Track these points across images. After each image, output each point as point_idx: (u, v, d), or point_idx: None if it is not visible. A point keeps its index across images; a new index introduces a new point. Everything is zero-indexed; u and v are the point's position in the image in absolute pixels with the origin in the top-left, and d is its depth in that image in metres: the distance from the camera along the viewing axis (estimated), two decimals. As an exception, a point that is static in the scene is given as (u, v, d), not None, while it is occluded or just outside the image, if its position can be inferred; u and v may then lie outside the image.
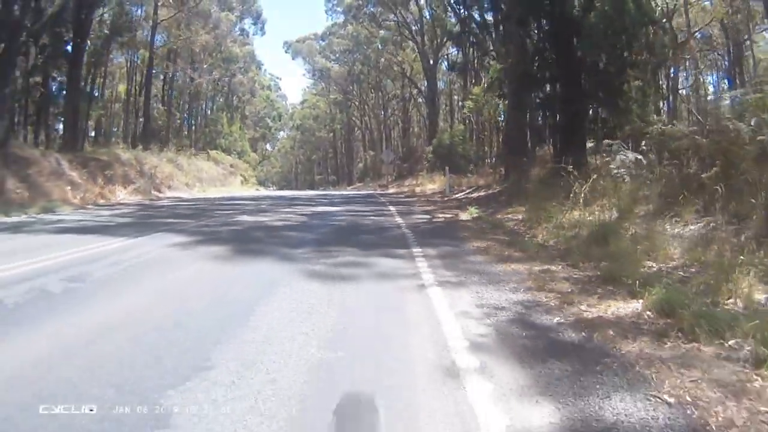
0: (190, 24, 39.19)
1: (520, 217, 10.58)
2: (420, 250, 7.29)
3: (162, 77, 41.07)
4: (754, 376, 2.84)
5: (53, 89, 27.35)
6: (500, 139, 29.16)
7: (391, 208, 16.22)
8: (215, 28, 44.14)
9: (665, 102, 27.68)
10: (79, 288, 4.92)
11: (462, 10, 21.04)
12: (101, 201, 19.29)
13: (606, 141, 12.83)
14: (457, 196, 19.15)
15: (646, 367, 3.01)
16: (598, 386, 2.78)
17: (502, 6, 19.18)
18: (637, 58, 18.83)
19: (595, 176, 9.53)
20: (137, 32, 32.45)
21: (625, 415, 2.47)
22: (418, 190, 26.92)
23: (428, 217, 13.18)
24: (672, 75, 33.02)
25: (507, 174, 19.89)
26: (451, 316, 3.99)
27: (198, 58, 45.10)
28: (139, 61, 37.10)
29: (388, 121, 64.02)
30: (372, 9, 48.38)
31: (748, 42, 29.54)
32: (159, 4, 34.05)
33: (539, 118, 20.80)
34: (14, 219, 12.25)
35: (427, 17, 44.23)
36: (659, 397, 2.64)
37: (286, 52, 65.90)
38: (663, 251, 6.24)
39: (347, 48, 58.12)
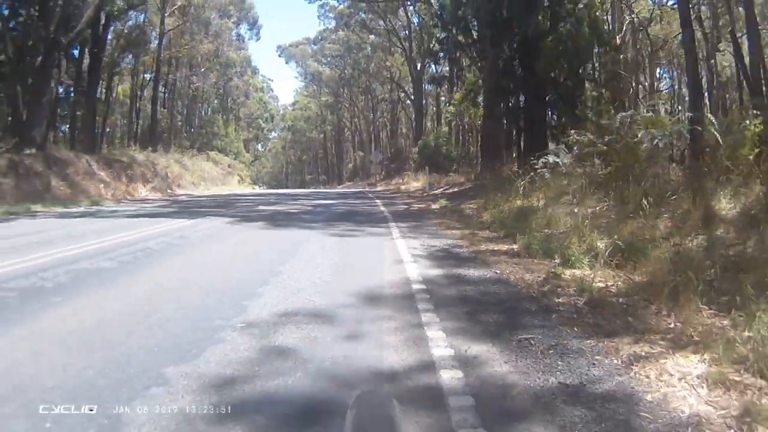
0: (192, 33, 42.43)
1: (476, 206, 13.99)
2: (395, 224, 10.80)
3: (163, 81, 44.15)
4: (552, 269, 6.22)
5: (60, 93, 30.31)
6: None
7: (378, 201, 19.77)
8: (217, 36, 47.30)
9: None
10: (187, 242, 8.34)
11: (441, 33, 24.38)
12: (128, 197, 22.57)
13: (551, 146, 16.33)
14: (435, 192, 22.60)
15: (494, 264, 6.46)
16: (465, 266, 6.25)
17: (477, 28, 22.49)
18: (591, 73, 22.46)
19: (532, 174, 12.97)
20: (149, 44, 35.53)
21: (473, 274, 5.91)
22: (403, 187, 30.36)
23: (406, 206, 16.81)
24: (658, 76, 36.43)
25: (482, 173, 23.15)
26: (405, 249, 7.46)
27: (196, 62, 48.20)
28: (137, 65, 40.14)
29: (377, 123, 67.24)
30: (363, 15, 51.27)
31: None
32: (165, 15, 37.18)
33: (508, 125, 24.23)
34: (77, 209, 15.55)
35: (416, 24, 47.26)
36: (492, 270, 6.08)
37: (279, 56, 69.25)
38: (557, 223, 9.61)
39: (338, 53, 61.24)
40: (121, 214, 13.66)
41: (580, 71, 21.17)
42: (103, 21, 28.16)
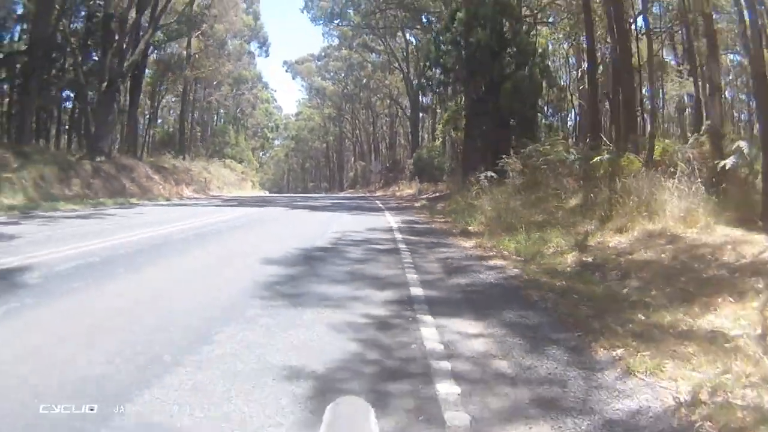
0: (215, 56, 49.44)
1: (444, 204, 21.03)
2: (387, 212, 18.12)
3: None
4: (455, 224, 13.24)
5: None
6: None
7: (377, 201, 27.09)
8: (237, 60, 54.40)
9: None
10: (271, 217, 15.50)
11: (428, 71, 31.49)
12: (178, 197, 29.48)
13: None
14: (423, 196, 29.64)
15: (432, 223, 13.59)
16: (418, 224, 13.41)
17: (455, 68, 29.52)
18: (542, 107, 29.56)
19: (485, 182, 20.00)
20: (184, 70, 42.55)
21: (421, 226, 13.00)
22: (398, 193, 37.51)
23: (397, 205, 24.17)
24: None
25: (464, 182, 29.98)
26: (391, 219, 14.71)
27: (215, 79, 55.12)
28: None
29: (377, 135, 74.27)
30: (365, 36, 57.29)
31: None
32: (191, 39, 44.14)
33: (483, 144, 31.15)
34: (165, 203, 22.57)
35: (413, 45, 53.89)
36: (430, 225, 13.14)
37: (286, 71, 75.99)
38: (489, 212, 16.57)
39: (341, 69, 68.24)
40: (202, 205, 20.74)
41: (535, 105, 28.23)
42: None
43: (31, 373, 3.08)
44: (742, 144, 10.38)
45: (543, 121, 28.39)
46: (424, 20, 45.55)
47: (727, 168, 10.00)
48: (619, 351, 3.79)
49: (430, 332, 4.15)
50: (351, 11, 51.19)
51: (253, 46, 63.66)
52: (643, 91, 46.81)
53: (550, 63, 28.84)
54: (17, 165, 20.29)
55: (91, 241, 8.56)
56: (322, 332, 4.08)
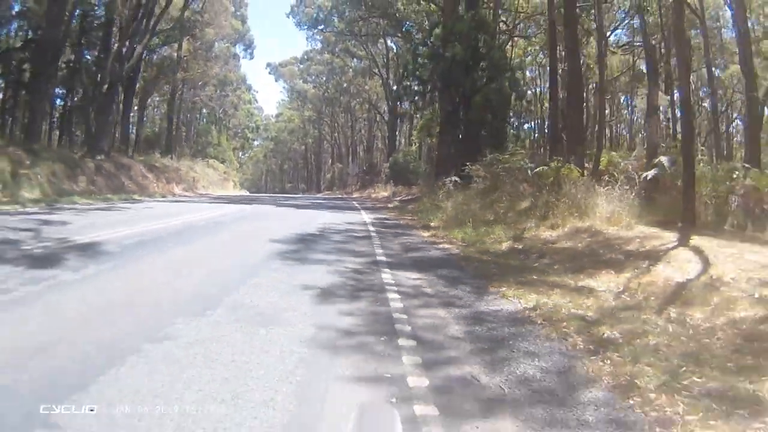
0: (198, 58, 51.75)
1: (414, 205, 23.77)
2: (363, 210, 20.99)
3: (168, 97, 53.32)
4: (419, 221, 16.01)
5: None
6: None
7: (354, 202, 29.90)
8: (224, 62, 56.74)
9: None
10: (263, 213, 18.19)
11: (405, 81, 34.30)
12: (170, 195, 31.86)
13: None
14: (396, 198, 32.40)
15: (401, 220, 16.38)
16: (388, 220, 16.36)
17: (432, 79, 32.28)
18: (511, 117, 32.44)
19: (450, 186, 22.78)
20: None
21: (390, 221, 15.82)
22: (374, 195, 40.25)
23: (372, 205, 27.06)
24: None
25: (434, 186, 32.80)
26: (366, 216, 17.57)
27: (200, 80, 57.39)
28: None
29: (355, 138, 77.04)
30: (347, 42, 59.66)
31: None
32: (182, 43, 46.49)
33: (455, 151, 33.99)
34: (163, 199, 25.06)
35: (394, 51, 56.57)
36: (398, 221, 15.93)
37: (269, 73, 78.89)
38: (449, 211, 19.32)
39: (323, 72, 70.82)
40: (196, 202, 23.33)
41: (504, 116, 31.11)
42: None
43: (151, 293, 5.79)
44: (663, 159, 13.26)
45: (511, 130, 31.27)
46: (406, 28, 48.02)
47: (648, 178, 12.88)
48: (504, 289, 6.54)
49: (387, 276, 6.98)
50: (335, 18, 53.31)
51: (239, 49, 66.02)
52: (622, 100, 50.62)
53: (528, 72, 31.69)
54: (29, 162, 22.59)
55: (129, 227, 11.12)
56: (321, 274, 6.86)
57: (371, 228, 13.78)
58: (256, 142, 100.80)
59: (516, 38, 38.34)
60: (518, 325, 5.00)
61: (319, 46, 66.66)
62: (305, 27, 58.35)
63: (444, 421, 2.88)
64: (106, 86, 32.03)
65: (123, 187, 28.13)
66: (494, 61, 29.05)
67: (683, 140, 12.70)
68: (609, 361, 3.93)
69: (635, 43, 36.33)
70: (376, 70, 60.26)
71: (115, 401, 2.87)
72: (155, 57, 41.79)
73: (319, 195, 57.53)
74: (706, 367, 3.75)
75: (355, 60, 65.20)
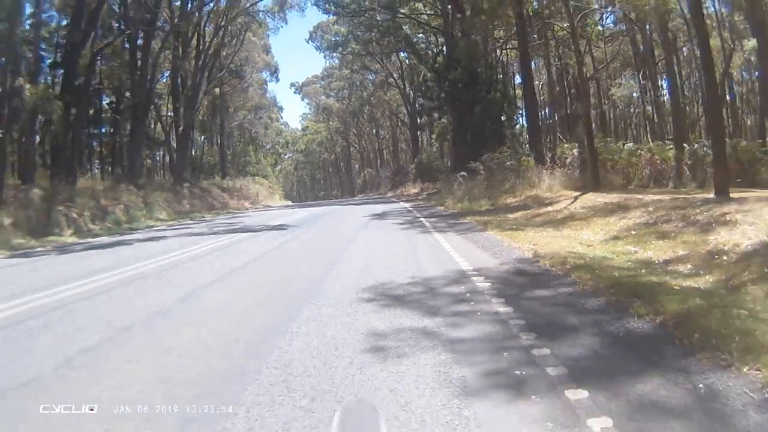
0: (237, 90, 61.94)
1: (437, 196, 33.37)
2: (402, 201, 30.90)
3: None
4: (441, 205, 25.70)
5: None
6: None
7: (393, 199, 39.86)
8: (259, 90, 66.77)
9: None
10: (338, 211, 28.02)
11: (420, 100, 44.05)
12: (246, 209, 41.57)
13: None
14: (424, 192, 41.99)
15: (432, 206, 26.04)
16: (422, 204, 26.04)
17: (440, 97, 41.85)
18: (504, 121, 41.91)
19: (460, 179, 32.45)
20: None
21: (424, 206, 25.61)
22: (405, 193, 50.01)
23: (406, 199, 36.84)
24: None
25: (450, 180, 42.52)
26: (406, 205, 27.37)
27: (240, 108, 67.57)
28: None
29: (381, 144, 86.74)
30: (364, 59, 68.23)
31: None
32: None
33: (466, 151, 43.65)
34: (248, 212, 34.96)
35: (407, 63, 64.99)
36: (431, 207, 25.64)
37: (294, 93, 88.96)
38: (458, 195, 28.90)
39: (344, 87, 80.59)
40: (274, 210, 33.18)
41: (499, 120, 40.62)
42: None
43: (330, 235, 15.85)
44: (575, 149, 22.97)
45: (507, 131, 40.75)
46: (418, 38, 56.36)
47: (568, 161, 22.61)
48: (468, 218, 16.09)
49: (425, 221, 16.64)
50: (351, 41, 61.81)
51: (266, 74, 76.39)
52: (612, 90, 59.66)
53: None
54: (142, 193, 32.13)
55: (266, 222, 20.93)
56: (393, 230, 16.24)
57: (410, 207, 23.76)
58: (286, 156, 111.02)
59: (509, 47, 47.29)
60: (467, 225, 14.59)
61: (337, 62, 75.14)
62: (324, 51, 67.87)
63: (433, 226, 12.53)
64: (181, 128, 42.28)
65: (213, 206, 37.86)
66: (486, 79, 38.39)
67: (587, 135, 22.27)
68: (491, 225, 13.58)
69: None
70: (392, 80, 68.98)
71: (351, 257, 12.52)
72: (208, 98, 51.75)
73: (356, 198, 66.94)
74: (528, 226, 13.40)
75: (372, 75, 73.72)
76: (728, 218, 8.97)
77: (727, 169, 14.16)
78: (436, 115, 44.09)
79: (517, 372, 3.59)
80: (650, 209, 11.47)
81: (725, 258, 7.12)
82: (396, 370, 3.70)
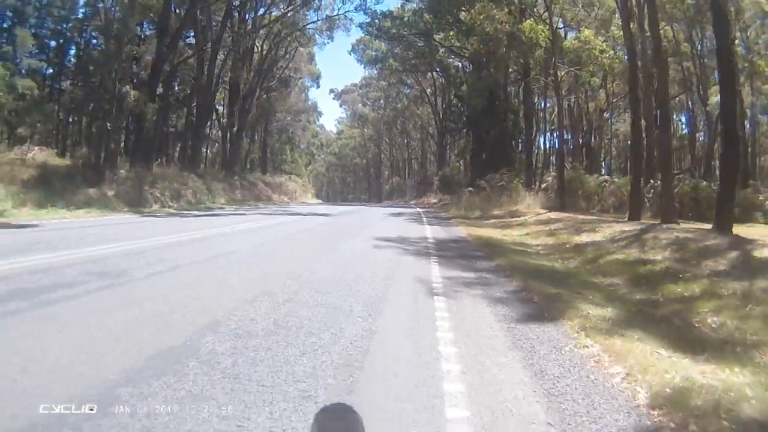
0: (282, 95, 69.62)
1: (447, 206, 40.67)
2: (418, 207, 38.63)
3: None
4: (449, 212, 33.05)
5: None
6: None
7: (413, 206, 47.25)
8: (302, 95, 74.62)
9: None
10: (366, 208, 35.50)
11: (443, 122, 51.38)
12: (284, 203, 49.02)
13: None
14: (441, 203, 49.06)
15: (441, 212, 33.47)
16: (433, 212, 33.54)
17: (462, 120, 49.17)
18: (516, 145, 49.08)
19: (467, 194, 39.73)
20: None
21: (433, 213, 32.99)
22: (426, 202, 57.33)
23: (425, 208, 44.28)
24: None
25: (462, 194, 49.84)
26: (420, 210, 34.91)
27: (285, 112, 75.21)
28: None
29: (410, 154, 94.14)
30: (401, 74, 75.49)
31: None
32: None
33: (484, 168, 50.86)
34: (288, 205, 42.57)
35: (440, 82, 72.30)
36: (438, 213, 33.05)
37: (333, 99, 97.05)
38: (461, 206, 36.14)
39: (380, 98, 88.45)
40: (312, 204, 40.74)
41: (511, 144, 47.74)
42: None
43: (364, 221, 23.51)
44: (549, 178, 30.32)
45: (518, 155, 47.89)
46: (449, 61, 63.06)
47: (543, 186, 29.97)
48: (460, 227, 23.37)
49: (425, 220, 24.13)
50: (390, 57, 68.43)
51: (308, 81, 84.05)
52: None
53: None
54: (202, 182, 39.31)
55: (311, 211, 28.50)
56: (404, 217, 24.06)
57: (422, 212, 31.20)
58: (319, 157, 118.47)
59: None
60: (449, 223, 22.02)
61: (375, 73, 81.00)
62: (365, 64, 75.03)
63: (428, 223, 19.90)
64: (235, 128, 49.99)
65: (259, 197, 45.24)
66: (502, 109, 45.50)
67: (557, 168, 29.43)
68: (464, 224, 20.95)
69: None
70: (425, 96, 74.88)
71: (372, 228, 19.92)
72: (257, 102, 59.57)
73: (382, 203, 73.67)
74: (487, 226, 20.73)
75: (407, 89, 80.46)
76: (598, 228, 15.96)
77: (641, 201, 21.40)
78: (456, 135, 51.69)
79: (421, 256, 11.03)
80: (569, 223, 18.49)
81: (567, 246, 14.33)
82: (380, 252, 11.11)
